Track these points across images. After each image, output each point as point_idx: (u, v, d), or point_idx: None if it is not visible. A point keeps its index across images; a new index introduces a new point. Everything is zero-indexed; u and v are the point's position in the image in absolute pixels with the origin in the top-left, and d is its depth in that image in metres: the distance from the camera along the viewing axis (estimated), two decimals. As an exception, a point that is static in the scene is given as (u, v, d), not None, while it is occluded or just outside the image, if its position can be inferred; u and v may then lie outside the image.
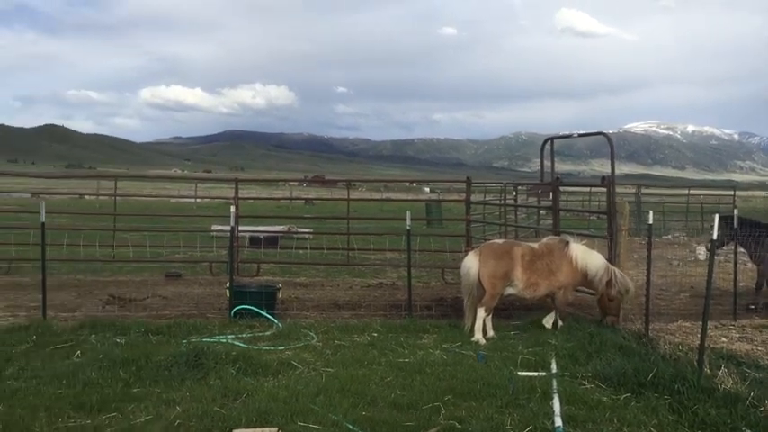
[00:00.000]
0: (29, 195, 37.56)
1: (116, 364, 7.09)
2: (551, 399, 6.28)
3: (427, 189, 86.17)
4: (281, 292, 10.84)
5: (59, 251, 14.40)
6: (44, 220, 9.59)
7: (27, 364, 7.14)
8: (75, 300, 11.62)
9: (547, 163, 13.22)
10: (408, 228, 10.79)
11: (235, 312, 9.82)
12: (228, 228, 18.46)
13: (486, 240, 12.21)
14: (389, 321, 9.97)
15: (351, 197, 19.51)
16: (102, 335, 8.54)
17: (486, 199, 20.57)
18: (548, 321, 9.59)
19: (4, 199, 35.95)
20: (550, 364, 7.54)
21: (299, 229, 21.73)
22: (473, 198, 16.01)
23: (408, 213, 10.73)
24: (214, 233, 19.89)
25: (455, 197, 41.55)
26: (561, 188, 13.64)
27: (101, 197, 32.24)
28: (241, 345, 8.18)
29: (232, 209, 10.59)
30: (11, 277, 13.93)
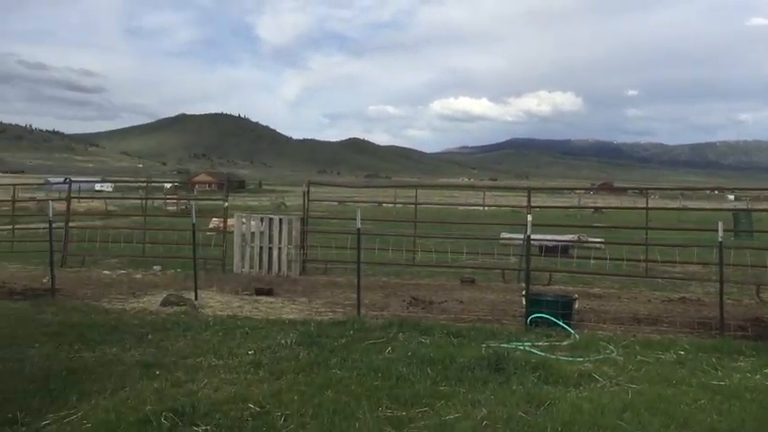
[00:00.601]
0: (336, 203, 41.72)
1: (423, 362, 7.57)
2: None
3: (731, 197, 78.28)
4: (576, 302, 10.66)
5: (369, 255, 15.77)
6: (359, 226, 10.58)
7: (347, 356, 7.92)
8: (383, 300, 12.64)
9: None
10: (720, 239, 9.93)
11: (531, 320, 9.90)
12: (517, 236, 18.77)
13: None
14: (697, 340, 9.27)
15: (643, 205, 18.57)
16: (408, 334, 9.16)
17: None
18: None
19: (317, 206, 40.28)
20: None
21: (590, 239, 21.15)
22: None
23: (720, 224, 9.88)
24: (503, 240, 20.22)
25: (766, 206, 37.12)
26: None
27: (397, 205, 34.68)
28: (539, 353, 8.22)
29: (529, 217, 10.65)
30: (328, 277, 15.63)
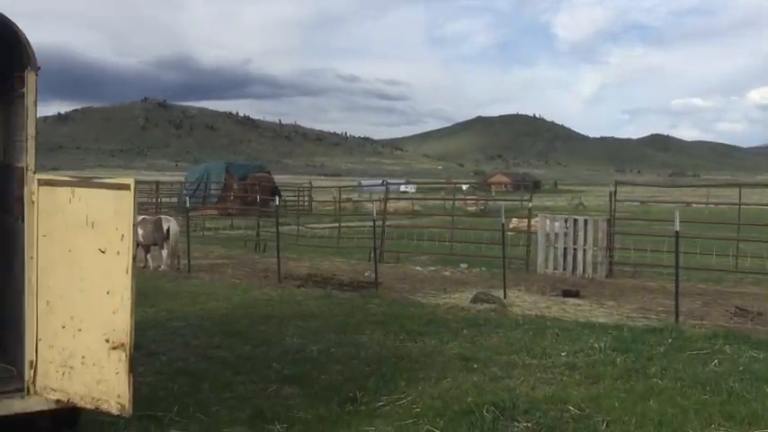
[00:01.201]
0: (638, 203, 39.61)
1: (758, 379, 6.87)
2: None
3: None
4: None
5: (687, 259, 14.65)
6: (678, 229, 9.93)
7: (668, 366, 7.48)
8: (701, 308, 11.69)
9: None
10: None
11: None
12: None
13: None
14: None
15: None
16: (736, 347, 8.36)
17: None
18: None
19: (618, 206, 38.56)
20: None
21: None
22: None
23: None
24: None
25: None
26: None
27: (709, 205, 31.75)
28: None
29: None
30: (636, 280, 14.90)
